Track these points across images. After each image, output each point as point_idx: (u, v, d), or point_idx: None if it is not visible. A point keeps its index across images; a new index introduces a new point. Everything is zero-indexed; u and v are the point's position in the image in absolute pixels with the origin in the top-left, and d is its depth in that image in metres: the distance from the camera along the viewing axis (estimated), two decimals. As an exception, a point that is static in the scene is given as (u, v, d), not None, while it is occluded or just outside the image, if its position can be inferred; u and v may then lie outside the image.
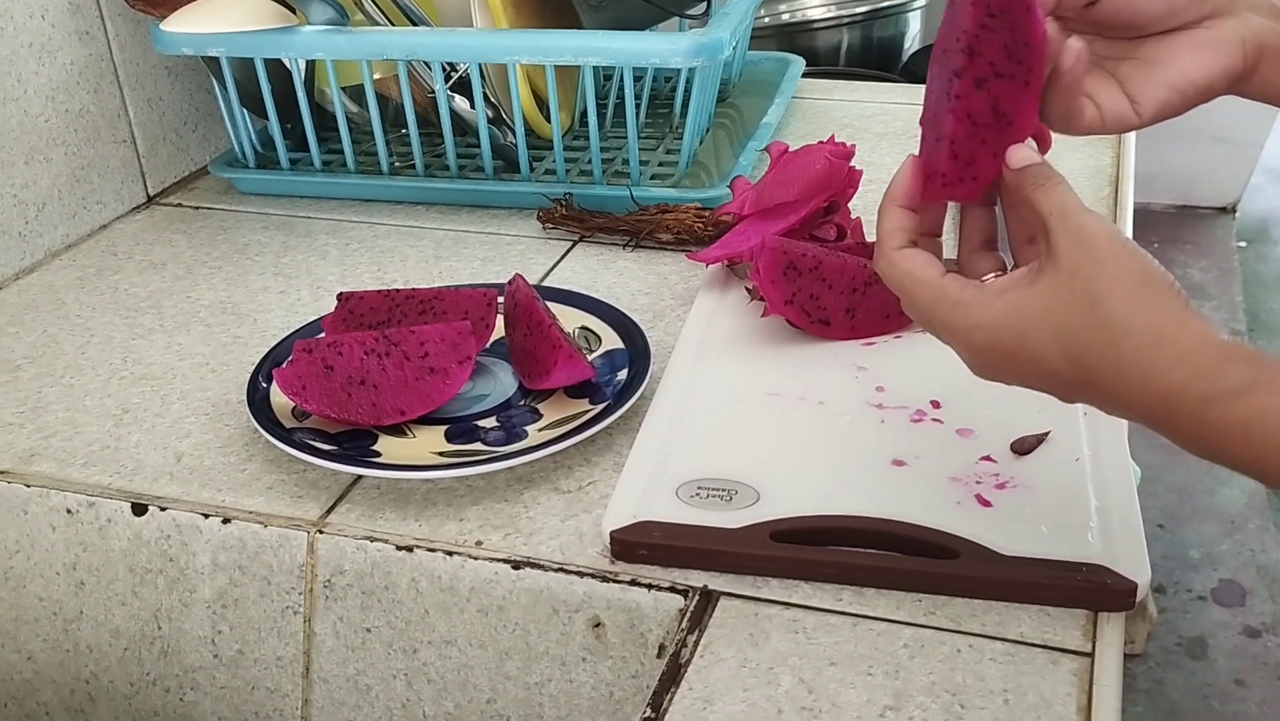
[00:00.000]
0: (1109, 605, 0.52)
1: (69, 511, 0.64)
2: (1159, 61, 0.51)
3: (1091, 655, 0.51)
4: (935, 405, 0.64)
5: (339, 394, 0.64)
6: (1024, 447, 0.61)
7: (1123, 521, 0.55)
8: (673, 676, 0.52)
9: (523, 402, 0.67)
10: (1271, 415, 0.41)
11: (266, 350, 0.72)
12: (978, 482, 0.59)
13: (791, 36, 1.95)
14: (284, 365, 0.65)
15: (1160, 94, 0.51)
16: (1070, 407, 0.61)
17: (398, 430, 0.65)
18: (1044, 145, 0.50)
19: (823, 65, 1.91)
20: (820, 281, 0.71)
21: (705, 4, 1.04)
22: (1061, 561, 0.53)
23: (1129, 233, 0.90)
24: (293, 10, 0.91)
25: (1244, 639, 1.68)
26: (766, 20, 1.99)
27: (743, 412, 0.65)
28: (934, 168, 0.50)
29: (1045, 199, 0.47)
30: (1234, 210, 2.73)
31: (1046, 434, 0.61)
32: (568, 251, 0.88)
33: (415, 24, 0.92)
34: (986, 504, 0.57)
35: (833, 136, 0.80)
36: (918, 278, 0.49)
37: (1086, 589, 0.52)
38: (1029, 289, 0.46)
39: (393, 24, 0.91)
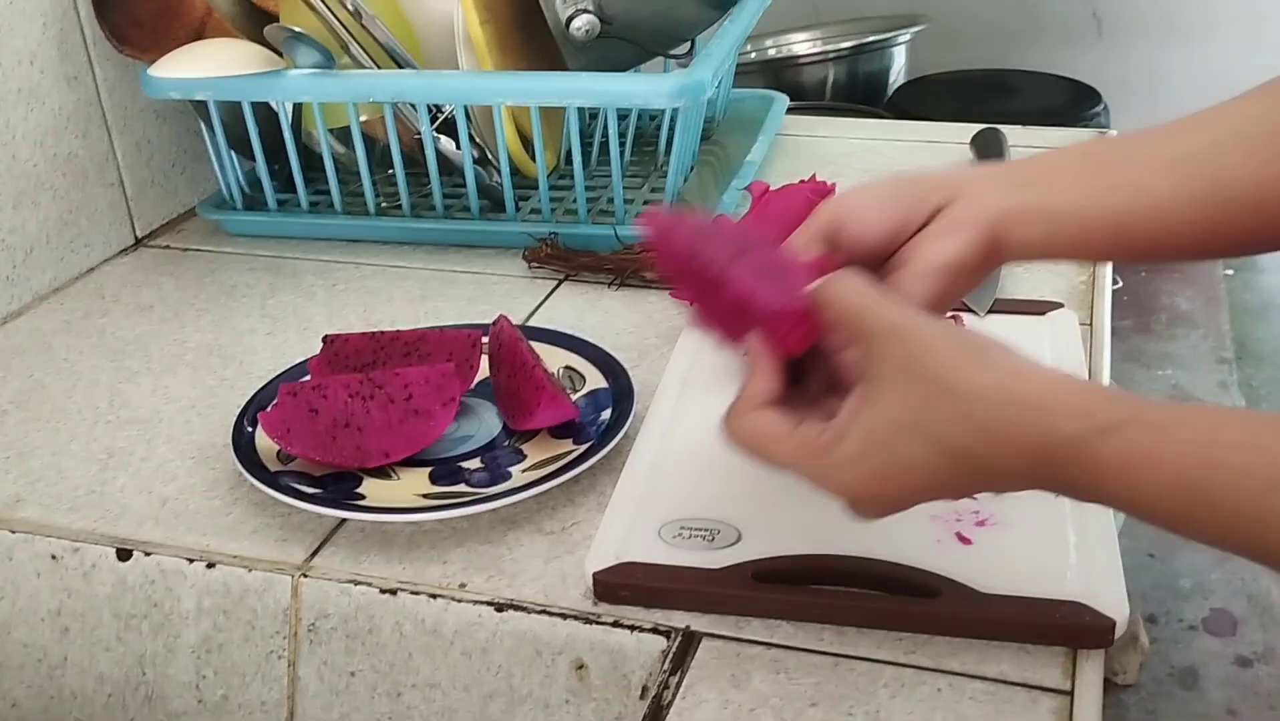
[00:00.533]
0: (1088, 642, 0.53)
1: (54, 557, 0.65)
2: (910, 258, 0.54)
3: (1071, 693, 0.51)
4: (916, 443, 0.65)
5: (324, 437, 0.64)
6: (1004, 485, 0.61)
7: (1101, 558, 0.56)
8: (655, 718, 0.52)
9: (507, 443, 0.68)
10: (1144, 451, 0.42)
11: (252, 393, 0.72)
12: (958, 520, 0.59)
13: (778, 71, 1.97)
14: (269, 408, 0.65)
15: (921, 285, 0.53)
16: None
17: (382, 472, 0.65)
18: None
19: (809, 100, 1.93)
20: None
21: (689, 44, 1.05)
22: (1040, 599, 0.54)
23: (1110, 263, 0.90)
24: (279, 54, 0.92)
25: (1236, 668, 1.68)
26: (753, 56, 2.01)
27: (725, 451, 0.66)
28: (750, 318, 0.51)
29: (841, 305, 0.48)
30: (1221, 238, 2.75)
31: (1026, 471, 0.62)
32: (553, 290, 0.88)
33: (400, 66, 0.93)
34: (966, 541, 0.58)
35: (813, 175, 0.81)
36: (771, 435, 0.50)
37: (1065, 626, 0.53)
38: (874, 406, 0.46)
39: (378, 67, 0.92)
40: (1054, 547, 0.57)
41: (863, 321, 0.48)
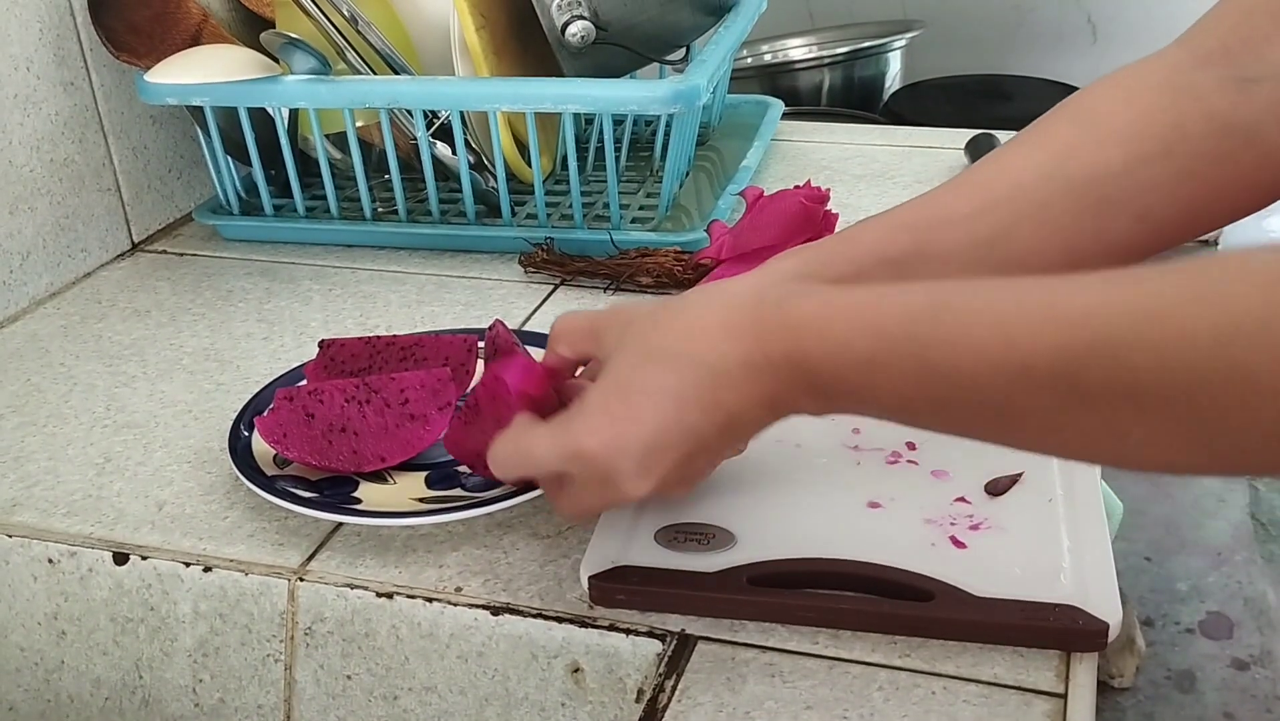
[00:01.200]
0: (1081, 645, 0.53)
1: (50, 561, 0.65)
2: None
3: (1064, 696, 0.51)
4: (911, 446, 0.65)
5: (320, 441, 0.64)
6: (997, 489, 0.61)
7: (1094, 561, 0.56)
8: (650, 721, 0.52)
9: (503, 448, 0.68)
10: (834, 303, 0.47)
11: (249, 397, 0.72)
12: (952, 524, 0.59)
13: (774, 77, 1.98)
14: (265, 413, 0.65)
15: None
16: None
17: (378, 476, 0.65)
18: None
19: (805, 105, 1.94)
20: None
21: (684, 50, 1.06)
22: (1034, 602, 0.54)
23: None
24: (275, 60, 0.92)
25: (1232, 671, 1.68)
26: (749, 61, 2.02)
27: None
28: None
29: (571, 327, 0.56)
30: (1216, 243, 2.76)
31: (1019, 475, 0.62)
32: (549, 295, 0.88)
33: (397, 72, 0.93)
34: (961, 545, 0.58)
35: (809, 181, 0.81)
36: (524, 428, 0.54)
37: (1058, 630, 0.53)
38: (610, 364, 0.51)
39: (375, 72, 0.92)
40: (1047, 551, 0.57)
41: (592, 326, 0.54)
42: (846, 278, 0.57)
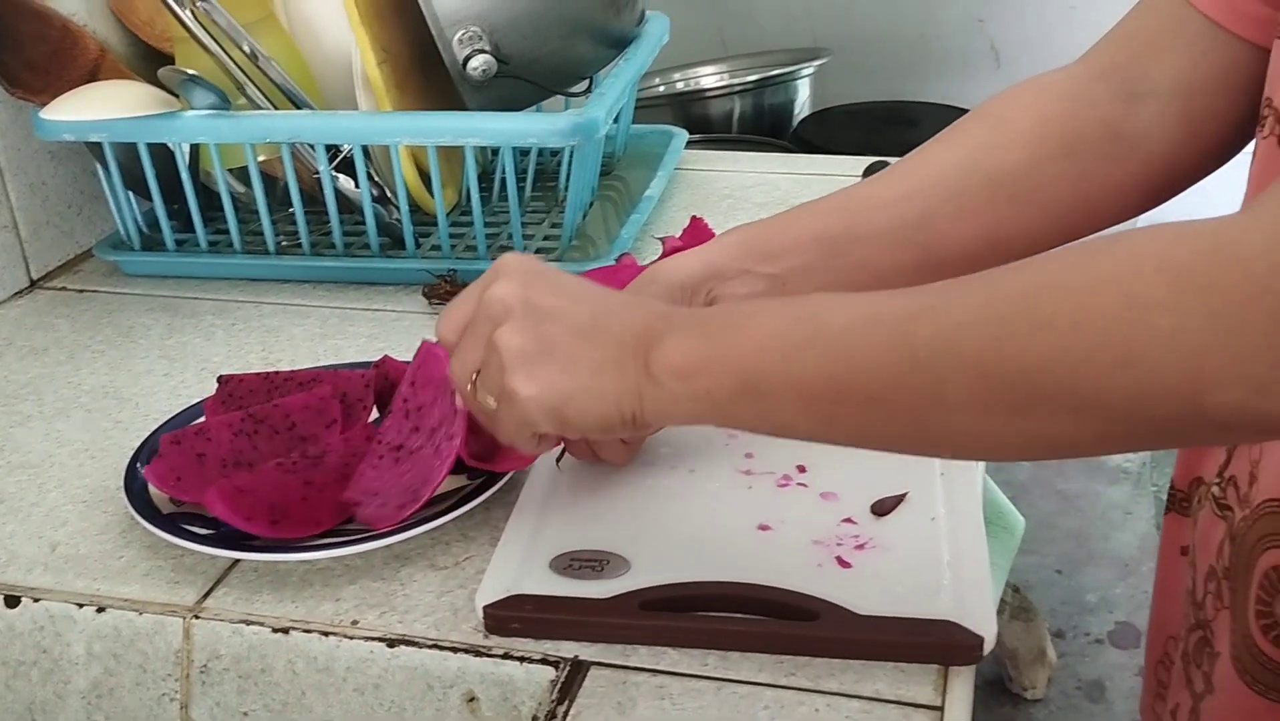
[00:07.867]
0: (957, 659, 0.55)
1: (-60, 606, 0.64)
2: None
3: (941, 709, 0.53)
4: (801, 470, 0.67)
5: (216, 479, 0.64)
6: (883, 509, 0.63)
7: (972, 577, 0.58)
8: (542, 748, 0.53)
9: (401, 480, 0.68)
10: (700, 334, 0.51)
11: (147, 435, 0.72)
12: (838, 544, 0.61)
13: (686, 105, 2.01)
14: (153, 460, 0.65)
15: None
16: (928, 467, 0.64)
17: (275, 512, 0.65)
18: None
19: (716, 132, 1.97)
20: None
21: (588, 82, 1.07)
22: (914, 619, 0.56)
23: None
24: (175, 95, 0.92)
25: (1141, 680, 1.73)
26: (661, 89, 2.05)
27: (616, 483, 0.67)
28: None
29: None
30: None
31: (904, 495, 0.64)
32: (453, 326, 0.89)
33: (298, 107, 0.94)
34: (846, 565, 0.60)
35: (693, 217, 0.83)
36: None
37: (936, 645, 0.55)
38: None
39: (275, 107, 0.93)
40: (928, 568, 0.59)
41: None
42: (785, 252, 0.63)
